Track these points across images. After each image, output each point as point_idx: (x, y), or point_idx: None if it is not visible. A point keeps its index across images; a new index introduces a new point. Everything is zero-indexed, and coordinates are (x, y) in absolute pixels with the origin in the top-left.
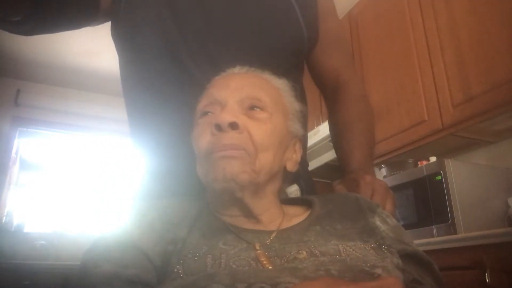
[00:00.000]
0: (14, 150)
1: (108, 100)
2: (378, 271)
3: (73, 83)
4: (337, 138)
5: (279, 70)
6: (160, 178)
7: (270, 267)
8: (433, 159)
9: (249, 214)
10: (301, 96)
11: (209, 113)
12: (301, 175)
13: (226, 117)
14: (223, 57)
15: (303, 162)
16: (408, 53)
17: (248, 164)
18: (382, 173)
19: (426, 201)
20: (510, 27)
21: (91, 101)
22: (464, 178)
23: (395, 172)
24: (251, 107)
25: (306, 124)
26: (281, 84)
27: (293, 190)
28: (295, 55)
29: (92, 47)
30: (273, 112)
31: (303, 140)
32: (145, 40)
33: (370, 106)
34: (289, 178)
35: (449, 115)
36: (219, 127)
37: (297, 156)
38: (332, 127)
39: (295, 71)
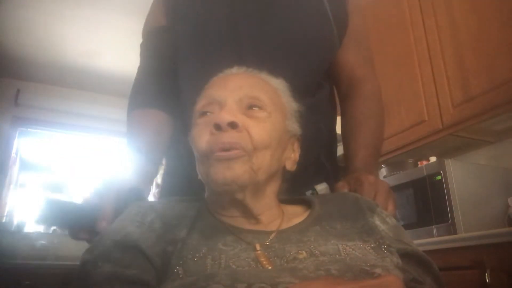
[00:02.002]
0: (14, 150)
1: (108, 100)
2: (378, 270)
3: (73, 83)
4: (345, 136)
5: (311, 67)
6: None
7: (270, 267)
8: (433, 159)
9: (249, 215)
10: (331, 92)
11: (207, 113)
12: (330, 173)
13: (226, 117)
14: (257, 58)
15: (334, 160)
16: (408, 53)
17: (247, 162)
18: (382, 173)
19: (426, 201)
20: (510, 27)
21: (91, 101)
22: (464, 178)
23: (395, 172)
24: (250, 107)
25: (336, 118)
26: (279, 84)
27: (323, 188)
28: (326, 53)
29: (92, 47)
30: (272, 111)
31: (334, 138)
32: (183, 49)
33: (382, 105)
34: (318, 176)
35: (449, 115)
36: (218, 127)
37: (295, 155)
38: (342, 124)
39: (323, 68)
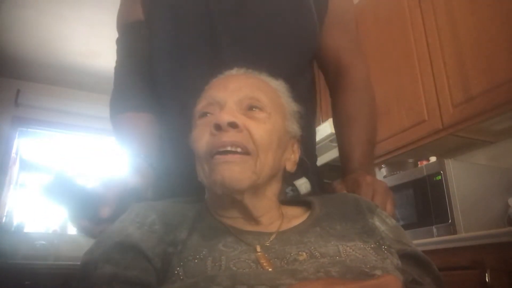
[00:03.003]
0: (14, 150)
1: (108, 100)
2: (378, 272)
3: (73, 83)
4: (338, 133)
5: (291, 60)
6: (165, 178)
7: (270, 269)
8: (433, 159)
9: (249, 216)
10: (312, 83)
11: (208, 114)
12: (309, 168)
13: (226, 117)
14: (235, 54)
15: (312, 156)
16: (408, 53)
17: (248, 167)
18: (382, 173)
19: (426, 201)
20: (510, 27)
21: (91, 101)
22: (464, 178)
23: (395, 172)
24: (249, 107)
25: (315, 111)
26: (278, 85)
27: (302, 183)
28: (308, 43)
29: (92, 47)
30: (272, 112)
31: (313, 133)
32: (158, 45)
33: (373, 93)
34: (297, 171)
35: (449, 115)
36: (218, 127)
37: (295, 156)
38: (334, 119)
39: (305, 60)
